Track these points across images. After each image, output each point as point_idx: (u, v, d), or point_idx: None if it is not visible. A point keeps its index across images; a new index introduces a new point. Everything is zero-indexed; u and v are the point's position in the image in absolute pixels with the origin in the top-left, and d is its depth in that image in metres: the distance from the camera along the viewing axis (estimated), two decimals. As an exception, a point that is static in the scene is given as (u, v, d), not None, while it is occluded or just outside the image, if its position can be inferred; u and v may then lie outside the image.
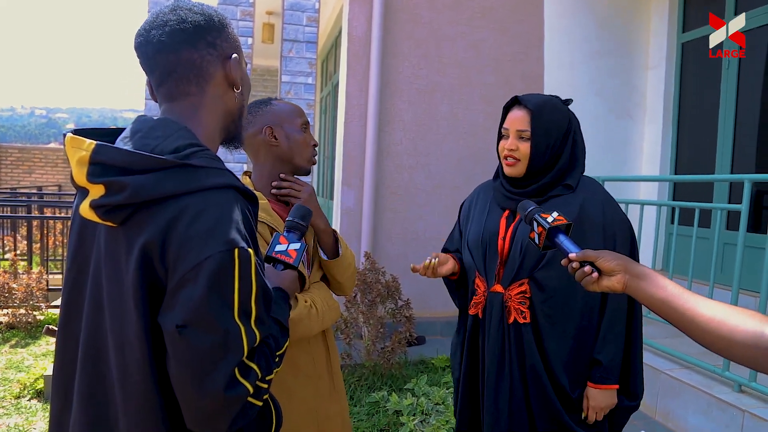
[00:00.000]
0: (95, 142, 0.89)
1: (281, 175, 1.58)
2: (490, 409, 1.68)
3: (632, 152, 5.28)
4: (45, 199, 8.54)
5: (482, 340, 1.73)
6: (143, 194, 0.85)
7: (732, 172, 4.50)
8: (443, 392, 3.36)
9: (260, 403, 0.91)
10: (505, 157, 1.70)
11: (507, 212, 1.72)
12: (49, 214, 7.01)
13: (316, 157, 1.66)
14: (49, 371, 3.64)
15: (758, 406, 2.70)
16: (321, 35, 7.52)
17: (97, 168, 0.87)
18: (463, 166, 4.80)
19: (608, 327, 1.62)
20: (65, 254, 6.16)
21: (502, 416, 1.66)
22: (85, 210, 0.90)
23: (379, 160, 4.57)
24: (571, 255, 1.17)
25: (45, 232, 6.39)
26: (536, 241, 1.32)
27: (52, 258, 6.71)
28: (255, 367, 0.89)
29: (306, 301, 1.49)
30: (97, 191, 0.88)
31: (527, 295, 1.63)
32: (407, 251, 4.71)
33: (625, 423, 1.72)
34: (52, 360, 4.06)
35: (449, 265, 1.77)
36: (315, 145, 1.64)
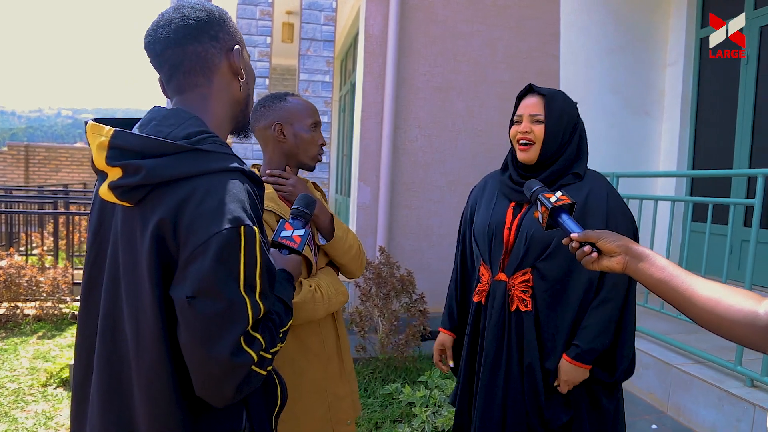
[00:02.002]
0: (114, 128, 0.96)
1: (267, 171, 1.66)
2: (484, 392, 1.73)
3: (650, 149, 5.25)
4: (71, 197, 8.75)
5: (483, 326, 1.78)
6: (157, 176, 0.93)
7: (750, 168, 4.46)
8: (455, 385, 3.40)
9: (264, 373, 0.98)
10: (519, 141, 1.75)
11: (513, 204, 1.77)
12: (74, 211, 7.21)
13: (324, 156, 1.74)
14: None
15: (770, 400, 2.70)
16: (340, 34, 7.59)
17: (116, 152, 0.95)
18: (478, 162, 4.83)
19: (597, 309, 1.65)
20: (90, 249, 6.32)
21: (495, 400, 1.70)
22: (104, 191, 0.97)
23: (394, 157, 4.63)
24: (573, 235, 1.20)
25: (71, 228, 6.57)
26: (540, 220, 1.35)
27: (77, 253, 6.89)
28: (259, 337, 0.96)
29: (310, 286, 1.56)
30: (115, 174, 0.95)
31: (530, 284, 1.67)
32: (422, 246, 4.77)
33: (605, 398, 1.72)
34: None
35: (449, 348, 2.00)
36: (322, 145, 1.72)
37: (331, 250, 1.67)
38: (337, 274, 1.77)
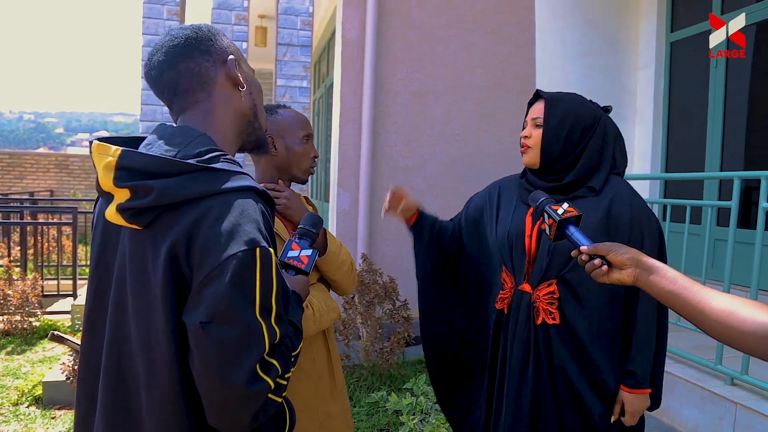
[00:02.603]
0: (121, 148, 0.92)
1: (262, 184, 1.62)
2: (512, 407, 1.67)
3: (623, 151, 5.34)
4: (38, 205, 8.49)
5: (505, 336, 1.72)
6: (168, 197, 0.89)
7: (721, 170, 4.57)
8: (441, 391, 3.39)
9: (280, 400, 0.94)
10: (521, 146, 1.73)
11: (531, 209, 1.68)
12: (42, 220, 6.99)
13: (315, 167, 1.70)
14: (48, 377, 3.65)
15: (750, 398, 2.76)
16: (314, 37, 7.55)
17: (123, 173, 0.91)
18: (457, 167, 4.84)
19: (641, 335, 1.61)
20: (59, 260, 6.16)
21: (523, 417, 1.64)
22: (112, 214, 0.93)
23: (373, 162, 4.61)
24: (582, 248, 1.19)
25: (38, 238, 6.37)
26: (547, 232, 1.34)
27: (46, 264, 6.69)
28: (276, 363, 0.92)
29: None
30: (122, 195, 0.91)
31: (556, 296, 1.61)
32: (403, 252, 4.75)
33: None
34: (50, 366, 4.08)
35: (405, 203, 1.87)
36: (315, 157, 1.69)
37: (324, 266, 1.64)
38: (328, 291, 1.73)
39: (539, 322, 1.63)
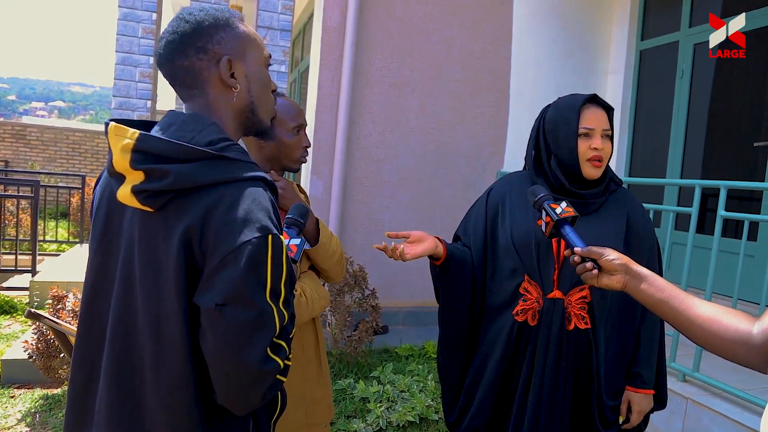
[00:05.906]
0: (138, 131, 0.94)
1: None
2: (537, 415, 1.61)
3: (590, 153, 5.49)
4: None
5: (534, 348, 1.62)
6: (183, 182, 0.92)
7: (682, 176, 4.76)
8: (408, 380, 3.47)
9: (285, 380, 0.99)
10: (593, 159, 1.59)
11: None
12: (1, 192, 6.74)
13: (306, 156, 1.71)
14: (7, 355, 3.55)
15: (700, 394, 2.92)
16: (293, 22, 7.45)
17: (140, 155, 0.93)
18: (430, 159, 4.90)
19: (647, 334, 1.65)
20: (18, 234, 5.97)
21: (554, 425, 1.62)
22: (125, 195, 0.95)
23: (348, 151, 4.62)
24: (576, 250, 1.23)
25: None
26: (543, 229, 1.37)
27: (3, 238, 6.46)
28: (284, 344, 0.97)
29: (296, 290, 1.55)
30: (135, 177, 0.93)
31: (587, 300, 1.59)
32: (373, 241, 4.76)
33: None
34: (9, 344, 3.97)
35: (425, 245, 1.60)
36: (307, 147, 1.69)
37: (315, 255, 1.67)
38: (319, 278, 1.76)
39: (571, 327, 1.59)
